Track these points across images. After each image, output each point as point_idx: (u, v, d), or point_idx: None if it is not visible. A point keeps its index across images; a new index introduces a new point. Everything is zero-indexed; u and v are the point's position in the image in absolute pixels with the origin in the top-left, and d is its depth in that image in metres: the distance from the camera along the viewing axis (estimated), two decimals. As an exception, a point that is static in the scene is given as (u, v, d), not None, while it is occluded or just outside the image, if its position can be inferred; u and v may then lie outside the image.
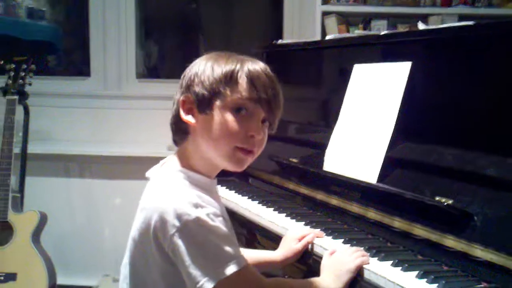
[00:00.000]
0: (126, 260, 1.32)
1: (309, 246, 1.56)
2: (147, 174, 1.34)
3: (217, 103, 1.24)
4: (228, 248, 1.18)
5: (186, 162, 1.30)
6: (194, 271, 1.16)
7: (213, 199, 1.26)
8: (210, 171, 1.32)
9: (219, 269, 1.16)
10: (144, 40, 3.61)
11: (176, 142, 1.34)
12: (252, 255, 1.55)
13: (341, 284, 1.33)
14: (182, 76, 1.30)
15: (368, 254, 1.39)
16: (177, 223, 1.16)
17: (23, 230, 2.78)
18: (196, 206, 1.18)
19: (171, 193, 1.22)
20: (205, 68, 1.26)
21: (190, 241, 1.16)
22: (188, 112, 1.27)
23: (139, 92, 3.39)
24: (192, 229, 1.16)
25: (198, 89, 1.25)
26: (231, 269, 1.17)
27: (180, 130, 1.30)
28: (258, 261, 1.55)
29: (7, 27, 3.65)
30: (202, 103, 1.25)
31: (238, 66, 1.25)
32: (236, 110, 1.24)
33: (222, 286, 1.16)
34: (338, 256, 1.41)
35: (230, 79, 1.24)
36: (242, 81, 1.24)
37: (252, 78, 1.25)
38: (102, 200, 3.28)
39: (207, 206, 1.20)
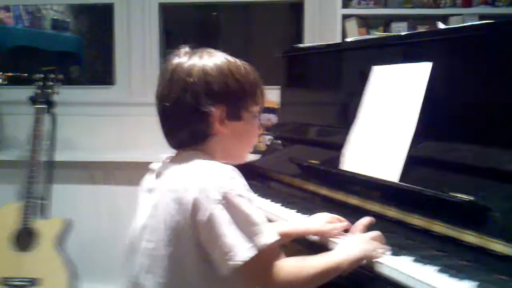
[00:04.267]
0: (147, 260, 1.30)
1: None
2: (153, 166, 1.40)
3: (246, 112, 1.36)
4: (263, 220, 1.23)
5: (208, 158, 1.33)
6: (233, 241, 1.18)
7: None
8: None
9: (259, 239, 1.19)
10: (166, 48, 3.66)
11: (187, 143, 1.35)
12: (278, 227, 1.58)
13: (351, 257, 1.36)
14: (189, 80, 1.30)
15: (388, 248, 1.42)
16: (217, 196, 1.19)
17: (48, 236, 2.83)
18: (232, 178, 1.23)
19: (206, 169, 1.25)
20: (228, 79, 1.32)
21: (231, 212, 1.19)
22: (220, 121, 1.32)
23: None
24: (232, 201, 1.20)
25: (230, 100, 1.32)
26: (268, 239, 1.20)
27: (200, 134, 1.33)
28: (285, 233, 1.58)
29: (31, 38, 3.73)
30: (234, 113, 1.34)
31: (254, 76, 1.38)
32: (256, 116, 1.39)
33: (257, 257, 1.18)
34: (357, 237, 1.47)
35: (255, 91, 1.38)
36: (260, 92, 1.39)
37: (262, 88, 1.40)
38: (127, 206, 3.30)
39: (241, 177, 1.26)
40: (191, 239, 1.22)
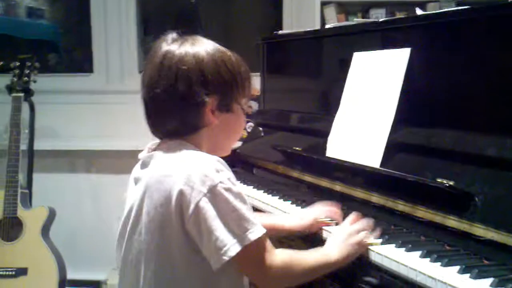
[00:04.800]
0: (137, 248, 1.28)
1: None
2: (141, 155, 1.35)
3: (235, 103, 1.33)
4: (250, 214, 1.22)
5: (194, 148, 1.30)
6: (221, 235, 1.17)
7: None
8: None
9: (245, 233, 1.19)
10: (144, 35, 3.63)
11: (175, 133, 1.31)
12: (267, 220, 1.57)
13: (343, 254, 1.36)
14: (182, 67, 1.26)
15: (371, 234, 1.43)
16: (203, 189, 1.18)
17: (32, 225, 2.82)
18: (218, 170, 1.21)
19: (192, 160, 1.23)
20: (221, 68, 1.29)
21: (217, 206, 1.18)
22: (211, 112, 1.29)
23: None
24: (218, 194, 1.18)
25: (222, 90, 1.29)
26: (254, 234, 1.20)
27: (190, 124, 1.30)
28: (272, 227, 1.57)
29: (5, 26, 3.67)
30: (225, 104, 1.31)
31: (244, 67, 1.35)
32: (243, 108, 1.37)
33: (245, 251, 1.18)
34: (342, 230, 1.45)
35: (245, 82, 1.35)
36: (249, 83, 1.36)
37: (250, 79, 1.37)
38: (108, 194, 3.31)
39: (227, 170, 1.24)
40: (178, 231, 1.21)
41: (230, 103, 1.32)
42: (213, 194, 1.18)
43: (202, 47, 1.29)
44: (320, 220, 1.59)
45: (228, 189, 1.20)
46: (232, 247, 1.17)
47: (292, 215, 1.69)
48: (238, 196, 1.21)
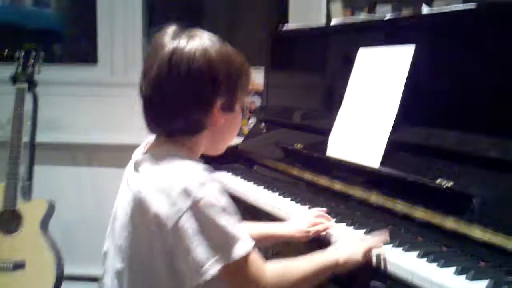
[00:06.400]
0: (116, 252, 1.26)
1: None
2: (134, 156, 1.31)
3: (238, 102, 1.30)
4: (236, 229, 1.16)
5: (186, 151, 1.26)
6: (200, 254, 1.12)
7: None
8: (197, 157, 1.31)
9: (227, 251, 1.13)
10: (149, 26, 3.61)
11: (177, 132, 1.26)
12: (258, 229, 1.54)
13: (347, 256, 1.33)
14: (193, 65, 1.20)
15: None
16: (184, 206, 1.12)
17: (31, 218, 2.79)
18: (202, 183, 1.15)
19: (176, 174, 1.17)
20: (230, 68, 1.25)
21: (198, 222, 1.12)
22: (218, 111, 1.25)
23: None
24: (200, 210, 1.12)
25: (229, 89, 1.25)
26: (238, 252, 1.14)
27: (196, 123, 1.25)
28: (264, 236, 1.55)
29: (11, 15, 3.66)
30: (230, 104, 1.27)
31: (247, 65, 1.30)
32: (243, 107, 1.34)
33: (227, 269, 1.13)
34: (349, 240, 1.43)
35: (247, 81, 1.31)
36: (249, 81, 1.32)
37: (250, 77, 1.33)
38: (109, 188, 3.26)
39: (214, 181, 1.18)
40: (161, 249, 1.16)
41: (234, 103, 1.29)
42: (194, 210, 1.12)
43: (211, 44, 1.24)
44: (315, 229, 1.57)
45: (211, 204, 1.14)
46: (211, 267, 1.12)
47: (284, 223, 1.66)
48: (223, 210, 1.15)
